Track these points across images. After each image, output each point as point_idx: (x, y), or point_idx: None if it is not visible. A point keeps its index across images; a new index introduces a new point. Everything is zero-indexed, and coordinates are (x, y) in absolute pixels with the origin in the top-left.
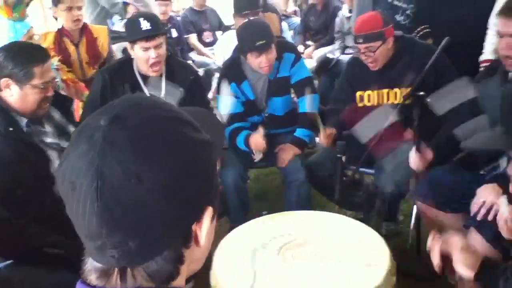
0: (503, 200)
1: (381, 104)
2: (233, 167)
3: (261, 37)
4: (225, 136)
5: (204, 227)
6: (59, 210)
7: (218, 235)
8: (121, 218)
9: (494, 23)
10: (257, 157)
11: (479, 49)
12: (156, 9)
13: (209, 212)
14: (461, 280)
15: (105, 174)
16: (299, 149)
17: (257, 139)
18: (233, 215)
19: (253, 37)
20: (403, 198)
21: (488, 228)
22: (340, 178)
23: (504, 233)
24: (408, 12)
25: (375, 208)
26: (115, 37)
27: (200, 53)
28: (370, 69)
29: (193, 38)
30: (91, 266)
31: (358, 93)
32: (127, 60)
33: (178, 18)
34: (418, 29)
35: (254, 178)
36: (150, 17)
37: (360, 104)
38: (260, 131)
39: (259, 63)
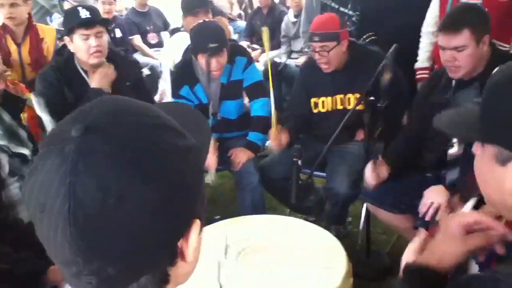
0: (467, 206)
1: (335, 110)
2: None
3: (215, 40)
4: (210, 136)
5: (192, 243)
6: (8, 218)
7: None
8: (98, 244)
9: (426, 32)
10: (209, 179)
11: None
12: (99, 8)
13: (196, 226)
14: None
15: (78, 194)
16: (253, 152)
17: (209, 159)
18: None
19: (207, 39)
20: (355, 200)
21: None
22: (296, 182)
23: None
24: (354, 19)
25: (325, 211)
26: (60, 38)
27: (145, 54)
28: (323, 71)
29: (137, 39)
30: None
31: (313, 100)
32: (69, 57)
33: (122, 18)
34: (364, 36)
35: (205, 181)
36: (89, 7)
37: (315, 111)
38: (211, 149)
39: (209, 66)
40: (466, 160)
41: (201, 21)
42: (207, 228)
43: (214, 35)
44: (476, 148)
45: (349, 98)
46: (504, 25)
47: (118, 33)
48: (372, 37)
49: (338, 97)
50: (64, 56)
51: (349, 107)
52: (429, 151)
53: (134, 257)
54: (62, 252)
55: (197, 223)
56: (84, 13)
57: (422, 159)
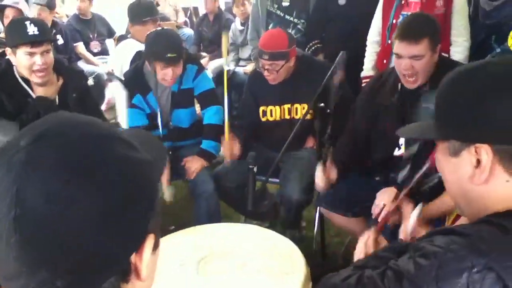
0: (414, 214)
1: (283, 119)
2: None
3: (173, 50)
4: (166, 157)
5: (145, 258)
6: None
7: None
8: (45, 253)
9: (371, 41)
10: (168, 197)
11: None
12: (34, 12)
13: (150, 241)
14: None
15: (25, 201)
16: (206, 160)
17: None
18: None
19: (165, 48)
20: (308, 205)
21: (388, 228)
22: (253, 189)
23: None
24: (299, 26)
25: (279, 217)
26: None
27: (89, 62)
28: (269, 82)
29: (81, 47)
30: None
31: (261, 108)
32: (8, 67)
33: (64, 24)
34: (310, 44)
35: None
36: (38, 22)
37: (263, 119)
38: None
39: (164, 74)
40: (416, 160)
41: (159, 28)
42: (164, 239)
43: (172, 45)
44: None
45: (296, 108)
46: (442, 35)
47: (59, 40)
48: (318, 45)
49: (286, 106)
50: (2, 66)
51: (296, 117)
52: (376, 153)
53: (83, 268)
54: (7, 264)
55: (151, 238)
56: (32, 29)
57: (370, 162)
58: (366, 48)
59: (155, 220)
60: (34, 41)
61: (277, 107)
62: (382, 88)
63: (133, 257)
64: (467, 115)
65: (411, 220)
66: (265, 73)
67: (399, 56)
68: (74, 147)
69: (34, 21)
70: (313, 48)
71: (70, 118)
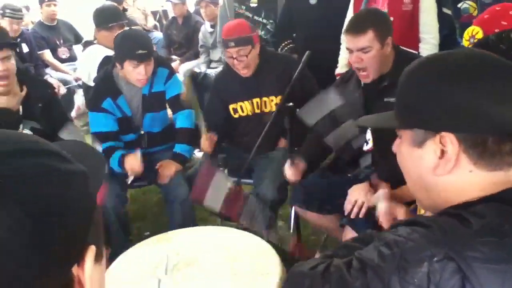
0: (379, 197)
1: (255, 114)
2: (110, 190)
3: (143, 47)
4: (104, 166)
5: (87, 270)
6: None
7: None
8: None
9: (344, 39)
10: (129, 179)
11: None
12: (5, 25)
13: (91, 252)
14: None
15: None
16: (180, 164)
17: (133, 160)
18: (114, 241)
19: (135, 45)
20: (283, 204)
21: (361, 224)
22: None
23: (385, 225)
24: (268, 27)
25: (255, 217)
26: None
27: (57, 69)
28: (242, 75)
29: (47, 54)
30: None
31: (231, 106)
32: None
33: (29, 32)
34: (283, 44)
35: (130, 198)
36: None
37: (235, 116)
38: (137, 153)
39: (137, 73)
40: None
41: (127, 28)
42: (138, 245)
43: (142, 42)
44: (396, 140)
45: (265, 102)
46: (409, 33)
47: (25, 48)
48: (290, 45)
49: (255, 100)
50: None
51: (266, 110)
52: (345, 150)
53: (18, 284)
54: None
55: (92, 249)
56: None
57: (340, 162)
58: (341, 46)
59: (95, 230)
60: None
61: (247, 102)
62: (347, 85)
63: (75, 270)
64: (431, 103)
65: (380, 203)
66: (235, 63)
67: (350, 51)
68: None
69: None
70: (286, 48)
71: None
